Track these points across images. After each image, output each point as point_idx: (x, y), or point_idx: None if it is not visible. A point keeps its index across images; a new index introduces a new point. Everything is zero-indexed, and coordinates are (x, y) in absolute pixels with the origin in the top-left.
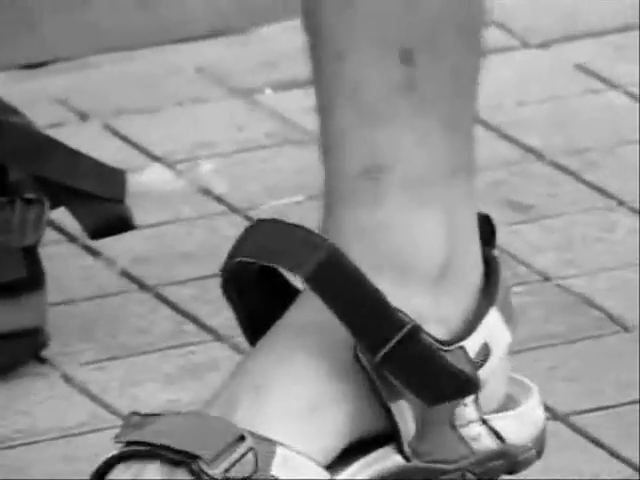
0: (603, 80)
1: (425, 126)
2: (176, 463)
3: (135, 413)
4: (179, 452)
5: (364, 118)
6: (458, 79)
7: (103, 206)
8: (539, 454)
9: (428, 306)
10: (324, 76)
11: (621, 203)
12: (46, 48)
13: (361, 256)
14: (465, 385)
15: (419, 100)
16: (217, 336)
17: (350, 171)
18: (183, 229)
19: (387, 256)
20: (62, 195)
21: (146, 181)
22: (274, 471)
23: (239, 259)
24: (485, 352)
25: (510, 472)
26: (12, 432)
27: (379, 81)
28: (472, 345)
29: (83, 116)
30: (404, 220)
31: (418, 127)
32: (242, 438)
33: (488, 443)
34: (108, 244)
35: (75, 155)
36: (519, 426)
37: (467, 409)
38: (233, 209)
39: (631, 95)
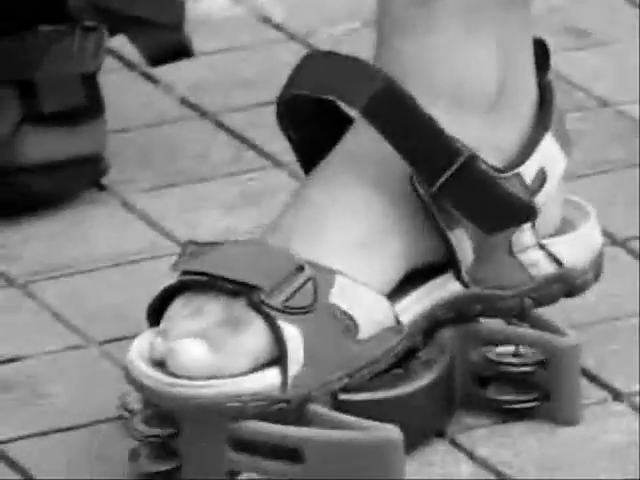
0: None
1: None
2: (235, 293)
3: (192, 242)
4: (238, 283)
5: None
6: None
7: (162, 33)
8: (597, 277)
9: (484, 134)
10: None
11: None
12: None
13: (416, 85)
14: (523, 211)
15: None
16: (275, 162)
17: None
18: (242, 56)
19: (442, 85)
20: (121, 22)
21: (205, 8)
22: (333, 299)
23: (294, 92)
24: (541, 177)
25: (568, 296)
26: (70, 260)
27: None
28: (528, 171)
29: None
30: (458, 47)
31: None
32: (301, 268)
33: (546, 267)
34: (167, 71)
35: None
36: (576, 249)
37: (525, 235)
38: (291, 36)
39: None
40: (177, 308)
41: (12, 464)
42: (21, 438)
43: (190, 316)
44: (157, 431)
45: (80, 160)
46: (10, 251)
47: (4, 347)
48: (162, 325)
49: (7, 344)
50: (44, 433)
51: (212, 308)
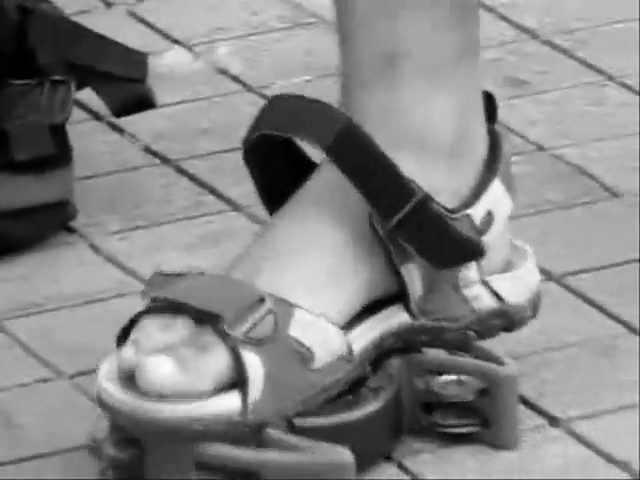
0: None
1: (437, 14)
2: (200, 321)
3: (160, 272)
4: (203, 312)
5: (382, 7)
6: None
7: (126, 86)
8: (534, 314)
9: (441, 179)
10: None
11: (611, 78)
12: None
13: (380, 135)
14: (471, 251)
15: None
16: (234, 206)
17: (369, 57)
18: (202, 107)
19: (404, 134)
20: (88, 76)
21: (167, 63)
22: (292, 331)
23: (262, 132)
24: (489, 219)
25: (507, 330)
26: (41, 298)
27: None
28: (477, 213)
29: (107, 3)
30: (419, 101)
31: (431, 15)
32: (262, 300)
33: (488, 302)
34: (131, 121)
35: (100, 39)
36: (516, 287)
37: (470, 271)
38: (248, 88)
39: None
40: (147, 321)
41: None
42: (3, 464)
43: (160, 330)
44: (124, 454)
45: (50, 205)
46: None
47: None
48: (132, 336)
49: None
50: (18, 461)
51: (181, 326)
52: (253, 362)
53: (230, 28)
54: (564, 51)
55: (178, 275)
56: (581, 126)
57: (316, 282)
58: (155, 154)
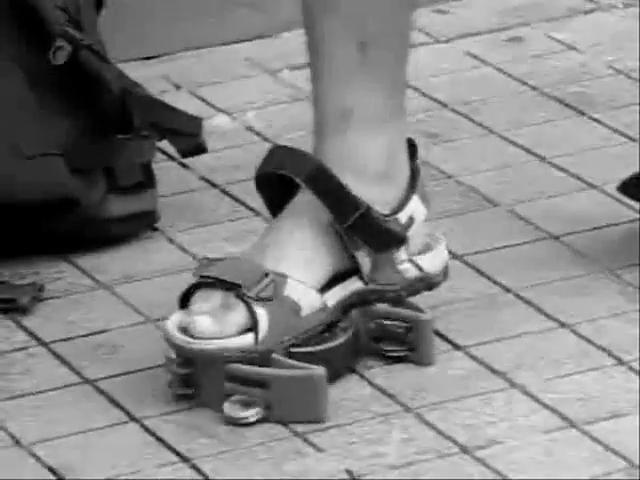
0: (480, 60)
1: (375, 86)
2: (228, 289)
3: (206, 257)
4: (230, 283)
5: (337, 83)
6: (396, 59)
7: (188, 138)
8: (445, 278)
9: (377, 195)
10: (315, 59)
11: (492, 132)
12: (153, 46)
13: (336, 167)
14: (398, 240)
15: (370, 74)
16: (256, 213)
17: (330, 114)
18: (237, 151)
19: (352, 165)
20: (164, 132)
21: (214, 124)
22: (286, 293)
23: (265, 169)
24: (411, 220)
25: (427, 290)
26: (136, 272)
27: (344, 61)
28: (403, 216)
29: (177, 86)
30: (363, 142)
31: (370, 87)
32: (267, 274)
33: (414, 273)
34: (192, 160)
35: (172, 109)
36: (432, 262)
37: (401, 253)
38: (266, 139)
39: (498, 69)
40: (196, 294)
41: (103, 393)
42: (110, 377)
43: (203, 299)
44: (185, 371)
45: (141, 214)
46: (100, 266)
47: (97, 324)
48: (189, 303)
49: (98, 322)
50: (121, 374)
51: (215, 297)
52: (261, 313)
53: (255, 101)
54: (463, 115)
55: (216, 259)
56: (474, 162)
57: (300, 262)
58: (208, 181)
